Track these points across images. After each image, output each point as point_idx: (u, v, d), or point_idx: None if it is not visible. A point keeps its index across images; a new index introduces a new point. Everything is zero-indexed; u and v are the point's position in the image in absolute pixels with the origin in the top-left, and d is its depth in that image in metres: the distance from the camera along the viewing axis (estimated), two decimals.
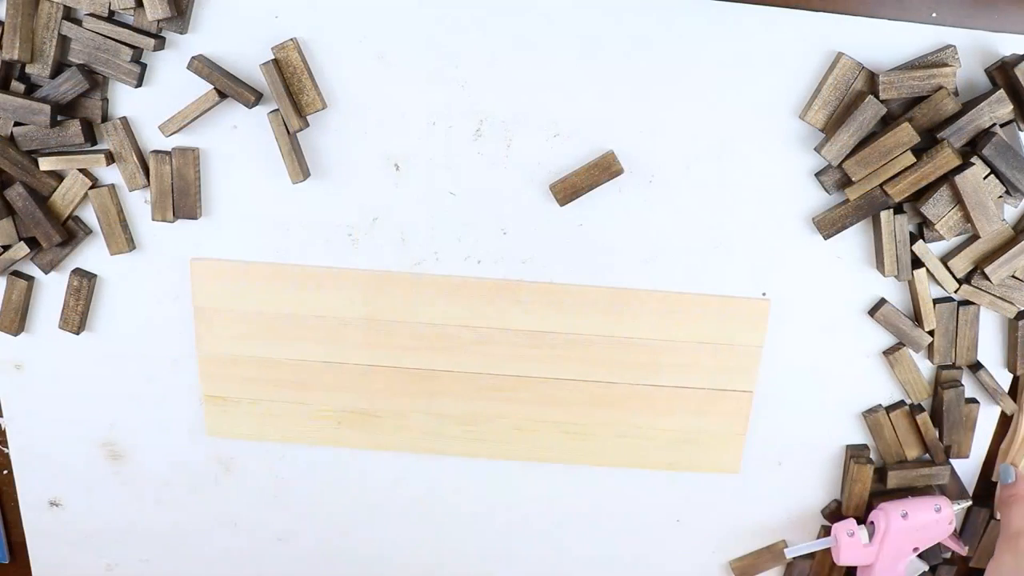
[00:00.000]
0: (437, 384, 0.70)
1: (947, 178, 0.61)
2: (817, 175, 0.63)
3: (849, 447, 0.73)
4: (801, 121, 0.62)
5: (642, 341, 0.68)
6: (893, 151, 0.60)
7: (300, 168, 0.62)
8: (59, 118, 0.60)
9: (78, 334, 0.68)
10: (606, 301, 0.67)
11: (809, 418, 0.72)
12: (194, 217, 0.64)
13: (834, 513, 0.76)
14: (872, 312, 0.68)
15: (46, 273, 0.66)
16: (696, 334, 0.68)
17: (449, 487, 0.75)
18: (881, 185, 0.62)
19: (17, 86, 0.60)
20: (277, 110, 0.60)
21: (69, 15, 0.59)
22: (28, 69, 0.59)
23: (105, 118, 0.62)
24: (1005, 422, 0.73)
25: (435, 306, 0.68)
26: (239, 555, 0.79)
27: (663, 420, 0.71)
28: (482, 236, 0.66)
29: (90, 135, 0.62)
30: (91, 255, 0.67)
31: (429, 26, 0.59)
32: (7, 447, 0.75)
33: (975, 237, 0.65)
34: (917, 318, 0.67)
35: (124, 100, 0.62)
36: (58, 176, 0.63)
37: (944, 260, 0.66)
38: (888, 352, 0.69)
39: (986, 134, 0.60)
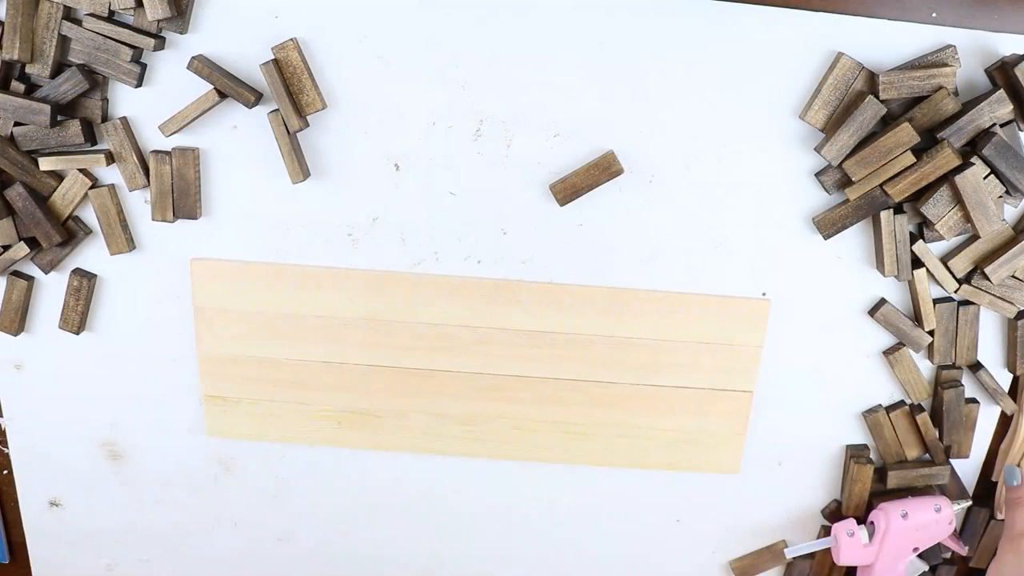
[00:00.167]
0: (437, 384, 0.70)
1: (947, 178, 0.61)
2: (817, 175, 0.63)
3: (849, 447, 0.73)
4: (801, 121, 0.62)
5: (642, 341, 0.68)
6: (893, 151, 0.60)
7: (300, 168, 0.62)
8: (59, 118, 0.60)
9: (78, 334, 0.68)
10: (606, 301, 0.67)
11: (809, 418, 0.72)
12: (194, 217, 0.64)
13: (834, 513, 0.76)
14: (872, 312, 0.68)
15: (46, 273, 0.66)
16: (696, 334, 0.68)
17: (449, 487, 0.75)
18: (881, 185, 0.62)
19: (17, 86, 0.60)
20: (277, 110, 0.60)
21: (69, 15, 0.59)
22: (28, 69, 0.59)
23: (105, 118, 0.62)
24: (1005, 422, 0.73)
25: (435, 306, 0.68)
26: (239, 555, 0.79)
27: (663, 420, 0.71)
28: (482, 236, 0.66)
29: (90, 135, 0.62)
30: (91, 255, 0.67)
31: (429, 26, 0.59)
32: (7, 447, 0.75)
33: (975, 237, 0.65)
34: (917, 318, 0.67)
35: (124, 100, 0.62)
36: (58, 176, 0.63)
37: (944, 260, 0.66)
38: (888, 352, 0.69)
39: (986, 134, 0.60)
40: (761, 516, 0.77)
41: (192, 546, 0.79)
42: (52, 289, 0.68)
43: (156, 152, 0.63)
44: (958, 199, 0.61)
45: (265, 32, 0.60)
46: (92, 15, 0.58)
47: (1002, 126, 0.60)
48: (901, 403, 0.71)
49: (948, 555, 0.78)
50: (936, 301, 0.67)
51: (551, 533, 0.77)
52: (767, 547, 0.78)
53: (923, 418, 0.70)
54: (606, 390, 0.70)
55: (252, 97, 0.60)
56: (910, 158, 0.60)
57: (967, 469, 0.74)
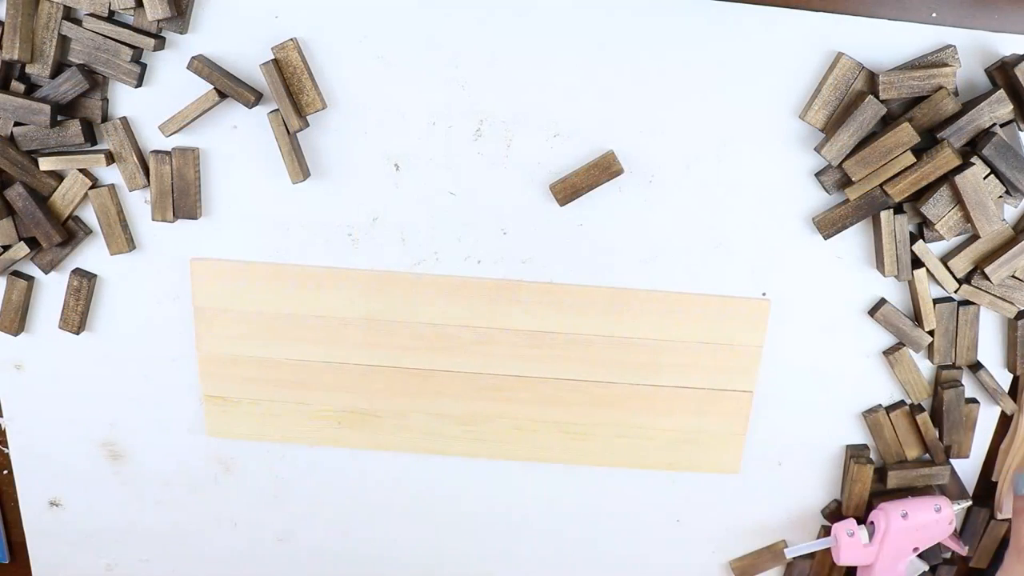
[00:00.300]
0: (437, 384, 0.70)
1: (947, 178, 0.61)
2: (817, 175, 0.63)
3: (849, 447, 0.73)
4: (801, 121, 0.61)
5: (642, 341, 0.68)
6: (893, 151, 0.60)
7: (300, 168, 0.62)
8: (59, 118, 0.60)
9: (78, 334, 0.68)
10: (606, 301, 0.67)
11: (809, 418, 0.72)
12: (194, 217, 0.64)
13: (834, 513, 0.76)
14: (872, 312, 0.68)
15: (46, 273, 0.66)
16: (696, 334, 0.68)
17: (449, 487, 0.75)
18: (881, 185, 0.62)
19: (17, 86, 0.60)
20: (277, 110, 0.60)
21: (69, 15, 0.59)
22: (28, 69, 0.59)
23: (105, 118, 0.62)
24: (1005, 422, 0.73)
25: (435, 306, 0.68)
26: (239, 555, 0.79)
27: (663, 420, 0.71)
28: (482, 236, 0.66)
29: (90, 135, 0.62)
30: (91, 255, 0.67)
31: (429, 26, 0.59)
32: (7, 447, 0.75)
33: (975, 237, 0.65)
34: (917, 318, 0.67)
35: (124, 100, 0.62)
36: (58, 176, 0.63)
37: (944, 260, 0.66)
38: (888, 352, 0.69)
39: (986, 134, 0.60)
40: (761, 516, 0.77)
41: (192, 546, 0.79)
42: (52, 289, 0.68)
43: (156, 152, 0.63)
44: (958, 199, 0.61)
45: (265, 32, 0.60)
46: (92, 15, 0.58)
47: (1002, 126, 0.60)
48: (901, 403, 0.71)
49: (948, 555, 0.78)
50: (936, 301, 0.67)
51: (551, 533, 0.77)
52: (767, 547, 0.78)
53: (923, 418, 0.70)
54: (606, 390, 0.70)
55: (252, 97, 0.60)
56: (910, 158, 0.60)
57: (967, 469, 0.74)
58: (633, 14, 0.59)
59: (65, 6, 0.58)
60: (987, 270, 0.64)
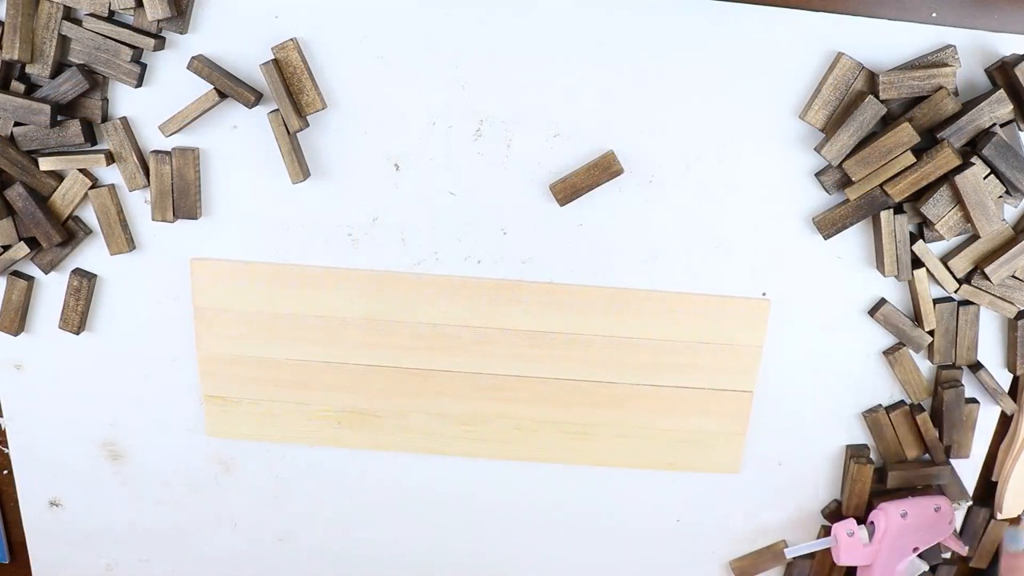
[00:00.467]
0: (437, 384, 0.70)
1: (947, 178, 0.61)
2: (817, 175, 0.63)
3: (849, 447, 0.73)
4: (801, 121, 0.61)
5: (642, 341, 0.68)
6: (893, 151, 0.60)
7: (300, 168, 0.62)
8: (59, 118, 0.60)
9: (78, 334, 0.68)
10: (606, 301, 0.67)
11: (809, 418, 0.72)
12: (194, 217, 0.64)
13: (834, 513, 0.76)
14: (872, 312, 0.68)
15: (46, 273, 0.66)
16: (696, 334, 0.68)
17: (449, 487, 0.75)
18: (881, 185, 0.62)
19: (17, 86, 0.60)
20: (277, 110, 0.60)
21: (69, 15, 0.59)
22: (28, 69, 0.59)
23: (105, 118, 0.62)
24: (1005, 422, 0.73)
25: (435, 306, 0.68)
26: (239, 555, 0.79)
27: (663, 420, 0.71)
28: (482, 236, 0.66)
29: (90, 135, 0.62)
30: (91, 255, 0.67)
31: (429, 26, 0.59)
32: (7, 447, 0.75)
33: (975, 237, 0.65)
34: (917, 318, 0.67)
35: (124, 100, 0.62)
36: (58, 176, 0.63)
37: (944, 260, 0.66)
38: (888, 352, 0.69)
39: (986, 134, 0.60)
40: (761, 516, 0.77)
41: (192, 546, 0.79)
42: (52, 289, 0.68)
43: (156, 152, 0.63)
44: (958, 199, 0.61)
45: (265, 32, 0.60)
46: (92, 15, 0.58)
47: (1002, 126, 0.60)
48: (901, 403, 0.71)
49: (948, 555, 0.78)
50: (936, 301, 0.67)
51: (551, 533, 0.77)
52: (767, 547, 0.78)
53: (923, 418, 0.70)
54: (606, 390, 0.70)
55: (252, 97, 0.60)
56: (910, 158, 0.60)
57: (967, 469, 0.74)
58: (633, 14, 0.59)
59: (65, 6, 0.58)
60: (987, 270, 0.64)
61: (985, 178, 0.61)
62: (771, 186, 0.64)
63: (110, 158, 0.63)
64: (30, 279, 0.67)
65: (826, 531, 0.76)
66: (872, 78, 0.60)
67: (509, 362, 0.69)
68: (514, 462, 0.74)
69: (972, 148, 0.61)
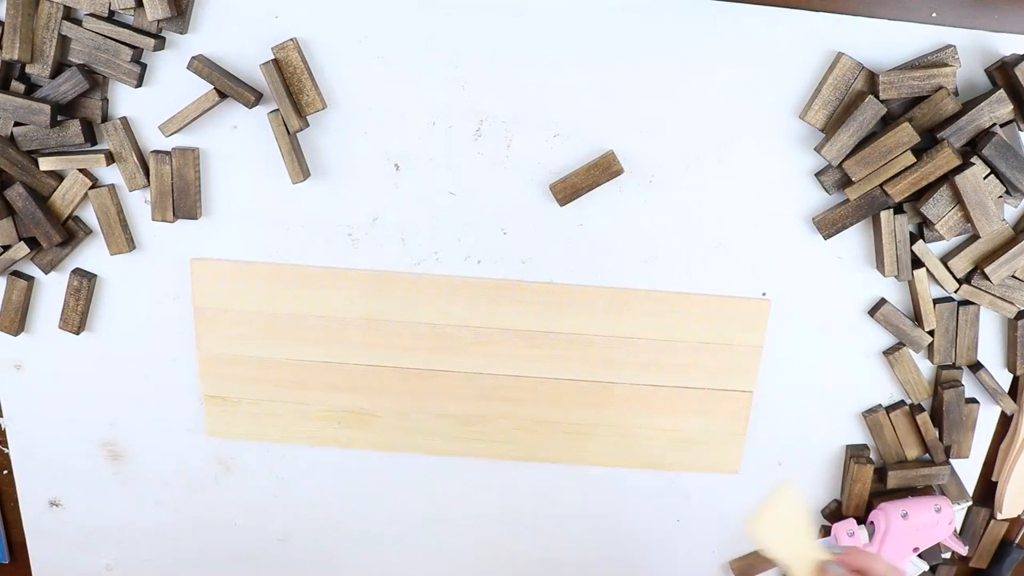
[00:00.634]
0: (437, 384, 0.70)
1: (947, 178, 0.61)
2: (817, 175, 0.63)
3: (849, 447, 0.73)
4: (801, 121, 0.61)
5: (642, 341, 0.68)
6: (893, 151, 0.60)
7: (300, 168, 0.62)
8: (59, 118, 0.60)
9: (78, 334, 0.68)
10: (606, 301, 0.67)
11: (809, 418, 0.72)
12: (194, 217, 0.64)
13: (834, 513, 0.76)
14: (872, 312, 0.68)
15: (46, 273, 0.66)
16: (696, 334, 0.68)
17: (449, 487, 0.75)
18: (881, 185, 0.62)
19: (17, 86, 0.60)
20: (277, 110, 0.60)
21: (69, 15, 0.59)
22: (28, 69, 0.59)
23: (105, 118, 0.62)
24: (1005, 422, 0.73)
25: (435, 306, 0.68)
26: (239, 555, 0.79)
27: (663, 420, 0.71)
28: (482, 236, 0.66)
29: (90, 135, 0.62)
30: (91, 255, 0.67)
31: (429, 26, 0.59)
32: (7, 447, 0.75)
33: (975, 237, 0.65)
34: (917, 318, 0.67)
35: (124, 100, 0.62)
36: (58, 176, 0.63)
37: (944, 260, 0.66)
38: (888, 352, 0.69)
39: (986, 134, 0.60)
40: None
41: (192, 546, 0.79)
42: (52, 289, 0.68)
43: (156, 152, 0.63)
44: (958, 199, 0.61)
45: (265, 32, 0.60)
46: (92, 15, 0.58)
47: (1002, 126, 0.60)
48: (901, 403, 0.71)
49: (948, 555, 0.78)
50: (936, 301, 0.67)
51: (551, 533, 0.77)
52: None
53: (923, 418, 0.70)
54: (606, 390, 0.70)
55: (252, 97, 0.60)
56: (910, 158, 0.60)
57: (967, 469, 0.74)
58: (633, 14, 0.59)
59: (65, 6, 0.58)
60: (987, 270, 0.64)
61: (985, 178, 0.61)
62: (771, 186, 0.64)
63: (110, 158, 0.63)
64: (30, 279, 0.67)
65: (826, 531, 0.76)
66: (872, 78, 0.59)
67: (509, 362, 0.69)
68: (514, 462, 0.74)
69: (972, 148, 0.61)
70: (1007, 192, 0.62)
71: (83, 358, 0.70)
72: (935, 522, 0.70)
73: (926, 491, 0.73)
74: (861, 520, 0.73)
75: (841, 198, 0.64)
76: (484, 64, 0.60)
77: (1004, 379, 0.71)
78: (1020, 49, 0.59)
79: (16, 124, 0.61)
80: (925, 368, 0.70)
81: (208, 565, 0.80)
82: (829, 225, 0.64)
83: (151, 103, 0.62)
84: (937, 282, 0.66)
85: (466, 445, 0.73)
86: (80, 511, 0.77)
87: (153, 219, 0.64)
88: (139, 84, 0.60)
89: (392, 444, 0.73)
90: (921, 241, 0.65)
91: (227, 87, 0.59)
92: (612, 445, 0.72)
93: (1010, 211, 0.65)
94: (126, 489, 0.76)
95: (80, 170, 0.63)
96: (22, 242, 0.64)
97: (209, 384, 0.71)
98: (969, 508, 0.75)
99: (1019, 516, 0.76)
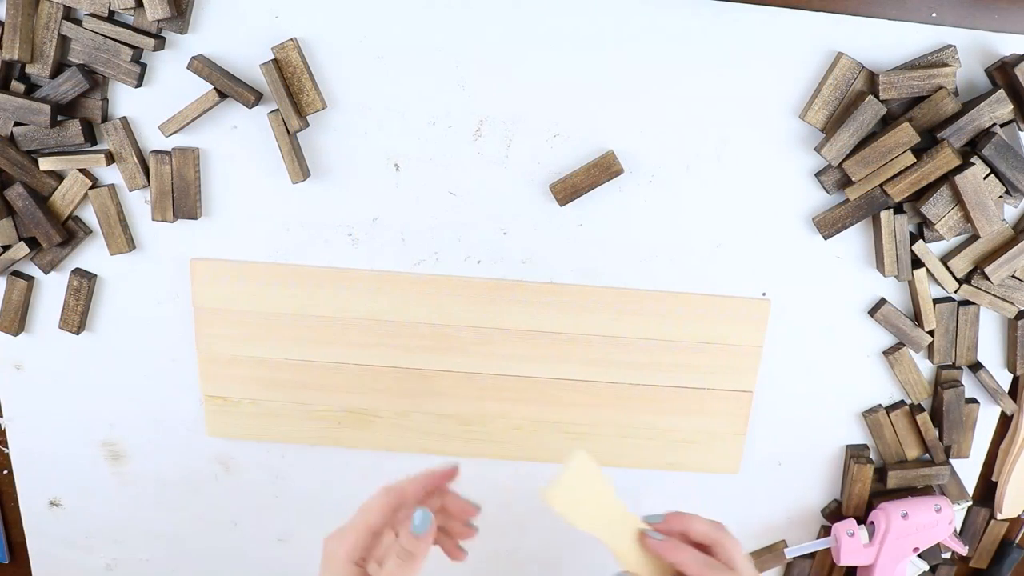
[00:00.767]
0: (437, 384, 0.70)
1: (947, 178, 0.61)
2: (817, 175, 0.63)
3: (849, 447, 0.73)
4: (801, 121, 0.61)
5: (642, 341, 0.68)
6: (893, 151, 0.60)
7: (300, 168, 0.62)
8: (59, 118, 0.60)
9: (78, 334, 0.68)
10: (606, 301, 0.67)
11: (809, 418, 0.72)
12: (194, 217, 0.64)
13: (834, 513, 0.76)
14: (872, 312, 0.68)
15: (46, 273, 0.66)
16: (696, 334, 0.68)
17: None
18: (881, 185, 0.62)
19: (17, 86, 0.60)
20: (277, 110, 0.60)
21: (69, 15, 0.59)
22: (28, 69, 0.59)
23: (105, 118, 0.62)
24: (1005, 422, 0.73)
25: (435, 306, 0.68)
26: (239, 555, 0.79)
27: (663, 420, 0.71)
28: (482, 236, 0.66)
29: (90, 135, 0.62)
30: (91, 255, 0.67)
31: (429, 26, 0.59)
32: (7, 447, 0.75)
33: (975, 237, 0.65)
34: (917, 318, 0.67)
35: (124, 100, 0.62)
36: (58, 176, 0.63)
37: (944, 260, 0.66)
38: (888, 352, 0.69)
39: (986, 134, 0.60)
40: (761, 516, 0.77)
41: (192, 546, 0.79)
42: (52, 289, 0.68)
43: (156, 152, 0.63)
44: (958, 199, 0.61)
45: (265, 32, 0.60)
46: (92, 15, 0.58)
47: (1002, 126, 0.60)
48: (901, 403, 0.71)
49: (948, 555, 0.78)
50: (936, 301, 0.67)
51: (551, 533, 0.77)
52: (767, 547, 0.78)
53: (923, 418, 0.70)
54: (606, 390, 0.70)
55: (252, 97, 0.60)
56: (910, 158, 0.60)
57: (967, 469, 0.74)
58: (633, 14, 0.59)
59: (65, 6, 0.58)
60: (987, 270, 0.64)
61: (985, 178, 0.61)
62: (771, 186, 0.64)
63: (110, 158, 0.63)
64: (30, 279, 0.67)
65: (826, 531, 0.76)
66: (872, 78, 0.59)
67: (509, 362, 0.69)
68: (514, 462, 0.74)
69: (972, 148, 0.61)
70: (1007, 192, 0.62)
71: (83, 358, 0.70)
72: (935, 522, 0.70)
73: (926, 491, 0.73)
74: (861, 520, 0.73)
75: (841, 198, 0.64)
76: (484, 64, 0.60)
77: (1004, 379, 0.71)
78: (1020, 49, 0.59)
79: (16, 124, 0.61)
80: (925, 368, 0.70)
81: (208, 565, 0.80)
82: (829, 225, 0.64)
83: (151, 103, 0.62)
84: (937, 282, 0.66)
85: (466, 445, 0.73)
86: (80, 511, 0.77)
87: (153, 219, 0.64)
88: (139, 84, 0.60)
89: (392, 444, 0.73)
90: (921, 241, 0.65)
91: (227, 87, 0.59)
92: (612, 445, 0.72)
93: (1010, 211, 0.65)
94: (126, 489, 0.76)
95: (80, 170, 0.63)
96: (22, 242, 0.64)
97: (209, 384, 0.71)
98: (969, 508, 0.75)
99: (1019, 516, 0.76)
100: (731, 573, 0.50)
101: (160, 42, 0.59)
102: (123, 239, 0.65)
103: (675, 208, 0.65)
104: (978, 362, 0.70)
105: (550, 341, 0.69)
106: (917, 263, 0.66)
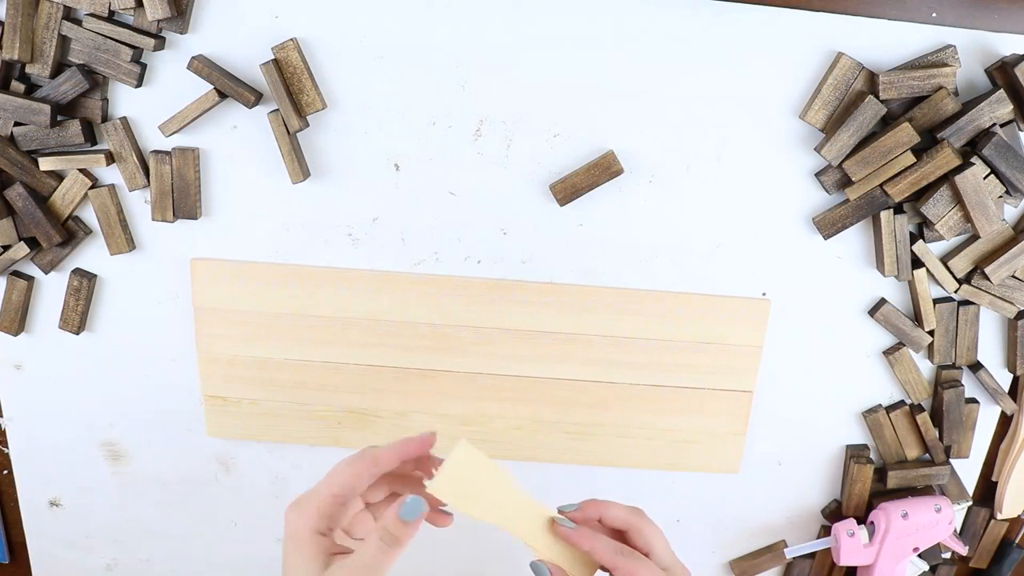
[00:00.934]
0: (437, 384, 0.70)
1: (947, 178, 0.61)
2: (817, 175, 0.63)
3: (849, 447, 0.73)
4: (801, 121, 0.61)
5: (642, 341, 0.68)
6: (893, 151, 0.60)
7: (300, 168, 0.62)
8: (59, 118, 0.60)
9: (78, 334, 0.68)
10: (606, 301, 0.67)
11: (809, 418, 0.72)
12: (194, 217, 0.64)
13: (834, 513, 0.76)
14: (872, 312, 0.68)
15: (46, 273, 0.66)
16: (696, 334, 0.68)
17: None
18: (881, 185, 0.62)
19: (17, 86, 0.60)
20: (277, 110, 0.60)
21: (69, 15, 0.59)
22: (28, 69, 0.59)
23: (105, 118, 0.62)
24: (1005, 422, 0.73)
25: (435, 306, 0.68)
26: (239, 555, 0.79)
27: (663, 420, 0.71)
28: (482, 236, 0.66)
29: (90, 135, 0.62)
30: (91, 255, 0.67)
31: (429, 26, 0.59)
32: (7, 447, 0.75)
33: (975, 237, 0.65)
34: (917, 318, 0.67)
35: (124, 100, 0.62)
36: (58, 176, 0.63)
37: (944, 260, 0.66)
38: (888, 352, 0.69)
39: (986, 134, 0.60)
40: (761, 516, 0.77)
41: (192, 546, 0.79)
42: (52, 289, 0.68)
43: (156, 152, 0.63)
44: (958, 199, 0.61)
45: (265, 32, 0.60)
46: (92, 15, 0.58)
47: (1002, 126, 0.60)
48: (901, 403, 0.71)
49: (948, 555, 0.78)
50: (936, 301, 0.67)
51: None
52: (767, 547, 0.78)
53: (923, 418, 0.70)
54: (606, 390, 0.70)
55: (252, 97, 0.60)
56: (910, 158, 0.60)
57: (967, 469, 0.74)
58: (633, 14, 0.59)
59: (65, 6, 0.58)
60: (987, 270, 0.64)
61: (985, 178, 0.61)
62: (771, 186, 0.64)
63: (110, 158, 0.63)
64: (30, 279, 0.67)
65: (826, 531, 0.76)
66: (872, 78, 0.59)
67: (509, 362, 0.69)
68: (514, 462, 0.74)
69: (972, 148, 0.61)
70: (1007, 192, 0.62)
71: (83, 358, 0.70)
72: (935, 522, 0.70)
73: (926, 491, 0.73)
74: (861, 520, 0.73)
75: (841, 198, 0.64)
76: (484, 64, 0.60)
77: (1004, 379, 0.71)
78: (1020, 49, 0.59)
79: (16, 124, 0.61)
80: (925, 368, 0.70)
81: (208, 565, 0.80)
82: (829, 225, 0.64)
83: (151, 103, 0.62)
84: (937, 282, 0.66)
85: None
86: (80, 511, 0.77)
87: (153, 219, 0.64)
88: (139, 84, 0.60)
89: None
90: (921, 241, 0.65)
91: (227, 87, 0.59)
92: (612, 445, 0.72)
93: (1010, 211, 0.65)
94: (126, 489, 0.76)
95: (80, 170, 0.63)
96: (22, 242, 0.64)
97: (209, 384, 0.71)
98: (969, 508, 0.76)
99: (1019, 516, 0.76)
100: (644, 560, 0.48)
101: (160, 42, 0.59)
102: (123, 239, 0.65)
103: (675, 208, 0.65)
104: (978, 362, 0.70)
105: (550, 341, 0.69)
106: (917, 263, 0.66)
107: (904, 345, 0.69)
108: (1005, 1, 0.59)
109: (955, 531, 0.75)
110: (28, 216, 0.63)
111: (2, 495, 0.78)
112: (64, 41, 0.59)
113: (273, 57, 0.60)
